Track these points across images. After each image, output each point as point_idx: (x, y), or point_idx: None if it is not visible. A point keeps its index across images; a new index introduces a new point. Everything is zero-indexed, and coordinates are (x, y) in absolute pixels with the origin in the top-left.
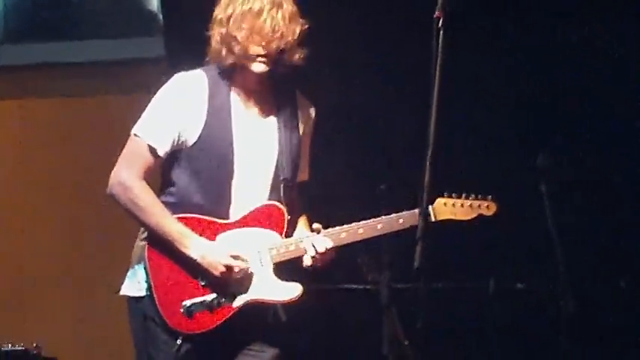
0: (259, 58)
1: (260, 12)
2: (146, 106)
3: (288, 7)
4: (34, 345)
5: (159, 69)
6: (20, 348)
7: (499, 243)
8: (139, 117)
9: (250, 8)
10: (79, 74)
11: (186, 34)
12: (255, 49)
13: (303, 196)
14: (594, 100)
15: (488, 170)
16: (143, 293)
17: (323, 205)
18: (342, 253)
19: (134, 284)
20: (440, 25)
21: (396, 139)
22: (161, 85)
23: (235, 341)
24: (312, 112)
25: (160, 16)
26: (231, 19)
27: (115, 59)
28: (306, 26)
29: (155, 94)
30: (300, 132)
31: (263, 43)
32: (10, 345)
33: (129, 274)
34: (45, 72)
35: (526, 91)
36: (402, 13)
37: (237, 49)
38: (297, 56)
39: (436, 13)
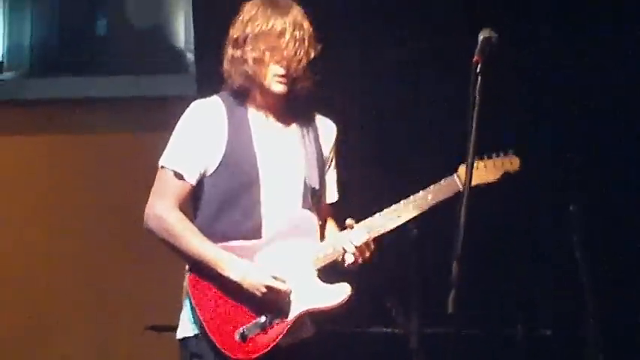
0: (279, 79)
1: (282, 32)
2: None
3: (308, 28)
4: None
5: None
6: None
7: (528, 289)
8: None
9: (272, 28)
10: (106, 109)
11: (217, 73)
12: (276, 69)
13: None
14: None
15: (520, 216)
16: (190, 334)
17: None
18: (370, 295)
19: (183, 324)
20: (479, 70)
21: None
22: None
23: None
24: (334, 130)
25: (188, 54)
26: (248, 39)
27: (141, 96)
28: (320, 48)
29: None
30: (322, 145)
31: (284, 64)
32: None
33: (181, 315)
34: (71, 107)
35: (559, 131)
36: (433, 27)
37: (250, 70)
38: (310, 78)
39: (475, 57)
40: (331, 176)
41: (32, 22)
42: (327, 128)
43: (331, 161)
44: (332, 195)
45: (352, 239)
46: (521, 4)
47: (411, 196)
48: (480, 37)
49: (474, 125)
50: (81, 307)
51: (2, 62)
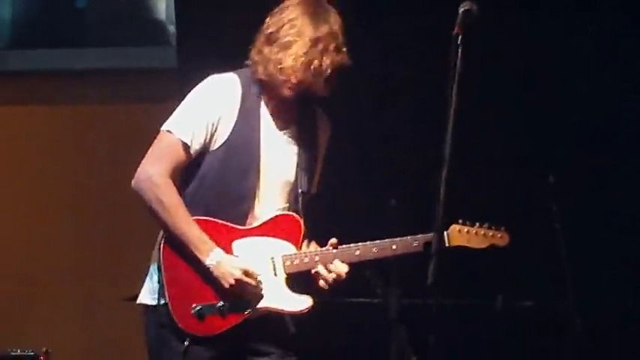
0: (291, 85)
1: (315, 42)
2: (156, 115)
3: (341, 41)
4: (44, 350)
5: (168, 79)
6: (29, 353)
7: (508, 260)
8: (144, 127)
9: (303, 38)
10: (86, 81)
11: (198, 46)
12: (291, 77)
13: (312, 209)
14: (606, 117)
15: (500, 187)
16: (160, 302)
17: (332, 218)
18: (349, 265)
19: (150, 292)
20: (459, 41)
21: (407, 152)
22: (171, 95)
23: (245, 352)
24: (329, 128)
25: (169, 27)
26: (279, 41)
27: (123, 67)
28: (347, 62)
29: (165, 103)
30: (318, 140)
31: (301, 75)
32: (18, 350)
33: (146, 280)
34: (51, 79)
35: (538, 109)
36: (417, 25)
37: (271, 69)
38: (327, 87)
39: (455, 29)
40: (316, 169)
41: None
42: (324, 126)
43: (319, 156)
44: (312, 187)
45: (329, 265)
46: None
47: (398, 238)
48: (461, 9)
49: (454, 98)
50: (65, 273)
51: None
